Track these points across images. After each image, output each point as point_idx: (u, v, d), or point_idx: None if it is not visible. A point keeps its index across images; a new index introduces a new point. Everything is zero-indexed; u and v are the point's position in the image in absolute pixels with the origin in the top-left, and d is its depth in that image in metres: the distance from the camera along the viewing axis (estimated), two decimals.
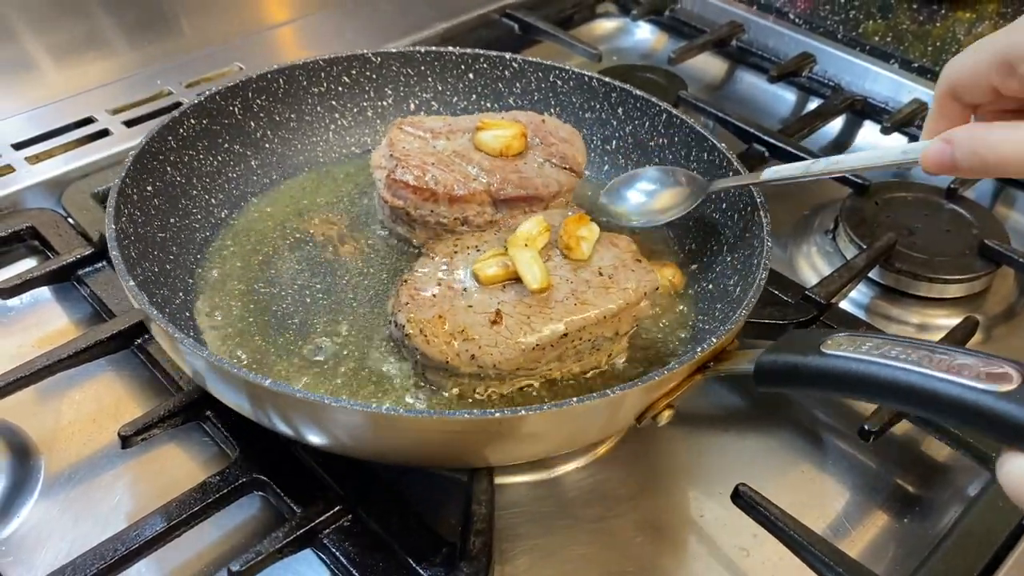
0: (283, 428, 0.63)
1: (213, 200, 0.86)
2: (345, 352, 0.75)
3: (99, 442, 0.75)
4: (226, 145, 0.88)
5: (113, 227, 0.70)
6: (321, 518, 0.64)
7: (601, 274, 0.73)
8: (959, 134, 0.57)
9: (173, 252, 0.79)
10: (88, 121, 1.02)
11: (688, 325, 0.80)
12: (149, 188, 0.79)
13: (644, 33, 1.34)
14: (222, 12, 1.17)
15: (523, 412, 0.58)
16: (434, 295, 0.71)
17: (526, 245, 0.73)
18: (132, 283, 0.66)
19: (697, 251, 0.85)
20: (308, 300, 0.79)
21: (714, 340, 0.65)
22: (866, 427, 0.73)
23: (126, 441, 0.69)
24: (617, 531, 0.71)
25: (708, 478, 0.75)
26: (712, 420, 0.81)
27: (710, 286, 0.81)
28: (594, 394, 0.60)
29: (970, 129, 0.57)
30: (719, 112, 1.07)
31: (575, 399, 0.59)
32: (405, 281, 0.73)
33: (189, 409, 0.72)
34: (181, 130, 0.83)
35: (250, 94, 0.89)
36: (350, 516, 0.66)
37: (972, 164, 0.56)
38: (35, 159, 0.96)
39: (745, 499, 0.68)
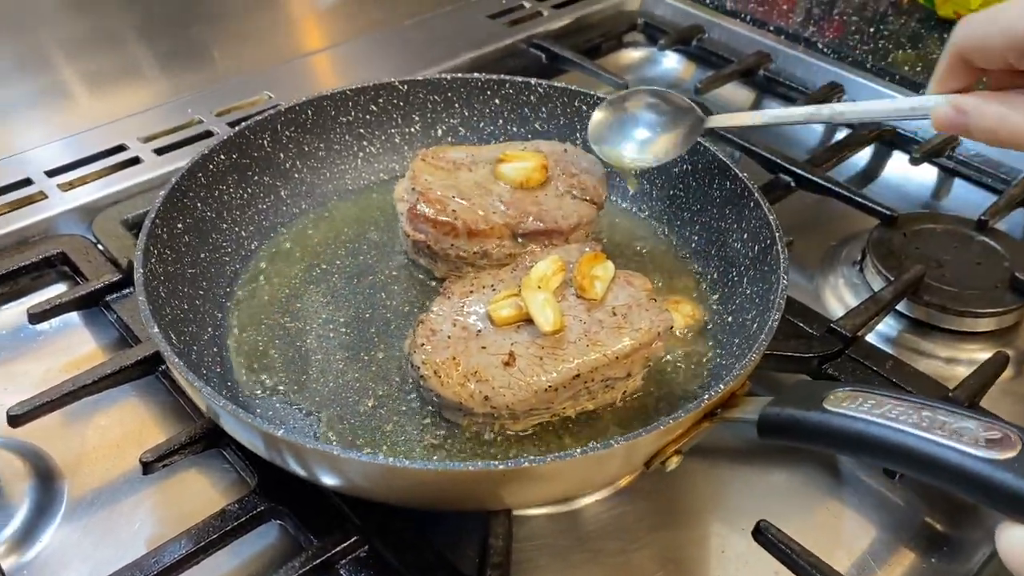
0: (299, 472, 0.64)
1: (243, 232, 0.87)
2: (365, 389, 0.75)
3: (121, 468, 0.75)
4: (255, 177, 0.89)
5: (142, 271, 0.71)
6: (338, 548, 0.64)
7: (615, 314, 0.73)
8: (973, 106, 0.57)
9: (203, 287, 0.80)
10: (120, 149, 1.03)
11: (705, 360, 0.79)
12: (179, 226, 0.80)
13: (671, 63, 1.34)
14: (252, 42, 1.19)
15: (525, 464, 0.58)
16: (449, 336, 0.72)
17: (539, 287, 0.73)
18: (156, 330, 0.67)
19: (718, 281, 0.85)
20: (331, 335, 0.80)
21: (721, 387, 0.64)
22: None
23: (147, 467, 0.69)
24: (637, 565, 0.70)
25: (730, 513, 0.74)
26: (734, 454, 0.80)
27: (729, 318, 0.81)
28: (598, 444, 0.60)
29: (985, 105, 0.57)
30: (745, 142, 1.07)
31: (578, 450, 0.59)
32: (421, 322, 0.73)
33: (209, 436, 0.72)
34: (211, 166, 0.85)
35: (279, 126, 0.91)
36: (367, 547, 0.66)
37: (986, 139, 0.57)
38: (68, 186, 0.98)
39: (767, 536, 0.67)
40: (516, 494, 0.63)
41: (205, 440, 0.72)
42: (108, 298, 0.86)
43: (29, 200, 0.96)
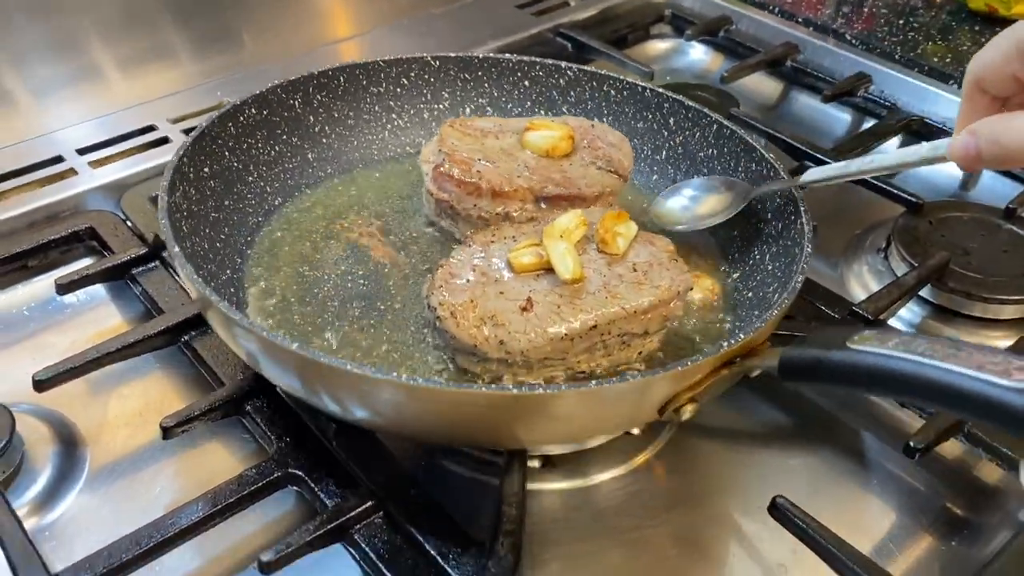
0: (305, 393, 0.64)
1: (268, 188, 0.88)
2: (380, 335, 0.76)
3: (143, 437, 0.76)
4: (284, 137, 0.90)
5: (166, 198, 0.72)
6: (352, 513, 0.64)
7: (635, 270, 0.73)
8: (981, 124, 0.57)
9: (224, 232, 0.81)
10: (150, 129, 1.05)
11: (725, 332, 0.79)
12: (206, 169, 0.81)
13: (698, 53, 1.34)
14: (282, 28, 1.21)
15: (540, 391, 0.58)
16: (468, 281, 0.72)
17: (561, 236, 0.73)
18: (177, 249, 0.68)
19: (739, 260, 0.84)
20: (349, 285, 0.81)
21: (742, 336, 0.64)
22: (911, 444, 0.71)
23: (167, 432, 0.70)
24: (652, 543, 0.70)
25: (747, 493, 0.73)
26: (752, 435, 0.79)
27: (750, 294, 0.81)
28: (615, 378, 0.60)
29: (992, 119, 0.57)
30: (770, 130, 1.06)
31: (593, 382, 0.59)
32: (441, 266, 0.74)
33: (229, 404, 0.73)
34: (241, 118, 0.86)
35: (311, 89, 0.92)
36: (381, 513, 0.66)
37: (995, 153, 0.56)
38: (98, 164, 0.99)
39: (782, 511, 0.66)
40: (529, 428, 0.63)
41: (225, 407, 0.73)
42: (134, 271, 0.87)
43: (60, 176, 0.97)
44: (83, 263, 0.92)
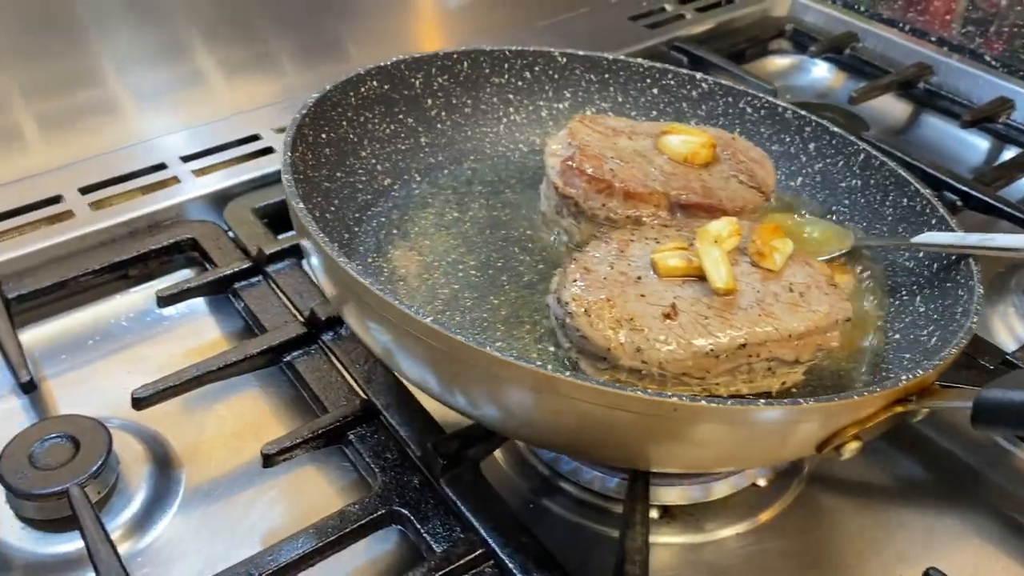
0: (425, 381, 0.61)
1: (379, 167, 0.85)
2: (493, 329, 0.71)
3: (240, 459, 0.73)
4: (400, 116, 0.87)
5: (288, 154, 0.70)
6: (462, 561, 0.60)
7: (792, 290, 0.67)
8: None
9: (335, 204, 0.78)
10: (254, 138, 1.03)
11: (872, 367, 0.72)
12: (323, 136, 0.79)
13: (821, 71, 1.26)
14: (387, 39, 1.18)
15: (703, 403, 0.52)
16: (605, 278, 0.66)
17: (715, 242, 0.67)
18: (301, 204, 0.65)
19: (884, 300, 0.77)
20: (460, 274, 0.76)
21: (920, 372, 0.58)
22: None
23: (268, 460, 0.67)
24: None
25: (882, 560, 0.67)
26: (888, 493, 0.73)
27: (897, 336, 0.73)
28: (785, 399, 0.54)
29: None
30: (905, 156, 0.99)
31: (762, 401, 0.53)
32: (575, 259, 0.68)
33: (332, 432, 0.70)
34: (362, 88, 0.83)
35: (433, 70, 0.89)
36: (492, 562, 0.61)
37: None
38: (201, 172, 0.97)
39: None
40: (669, 448, 0.58)
41: (328, 436, 0.69)
42: (236, 285, 0.85)
43: (163, 184, 0.95)
44: (183, 274, 0.90)
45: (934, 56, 1.18)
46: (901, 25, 1.24)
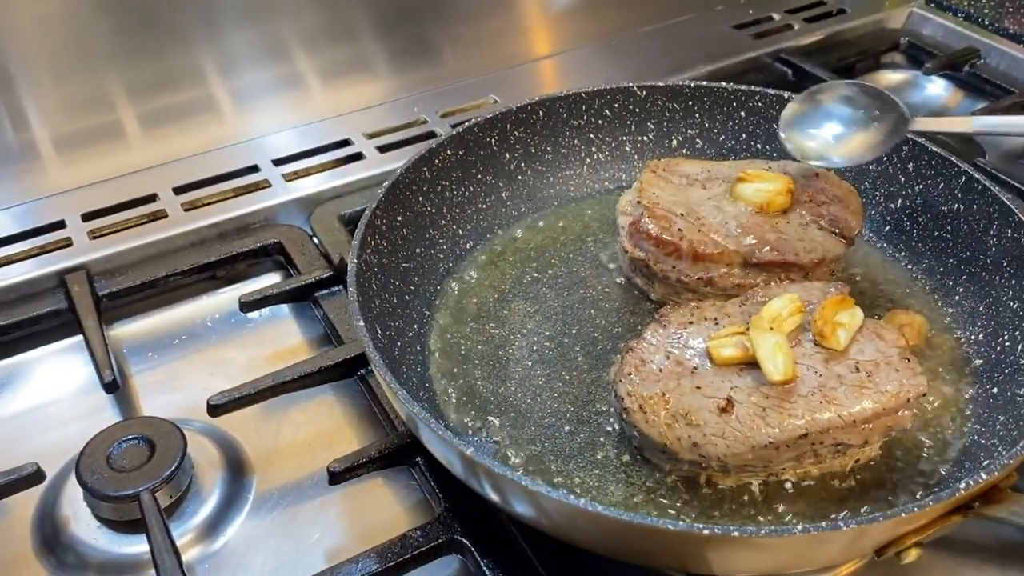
0: (487, 494, 0.59)
1: (460, 231, 0.85)
2: (563, 411, 0.70)
3: (310, 468, 0.73)
4: (479, 176, 0.87)
5: (356, 260, 0.70)
6: None
7: (858, 370, 0.63)
8: None
9: (414, 283, 0.78)
10: (344, 143, 1.03)
11: (961, 432, 0.68)
12: (399, 218, 0.79)
13: (936, 89, 1.19)
14: (482, 44, 1.17)
15: (735, 532, 0.50)
16: (660, 369, 0.64)
17: (771, 328, 0.64)
18: (362, 323, 0.65)
19: (983, 344, 0.73)
20: (535, 348, 0.76)
21: (983, 476, 0.54)
22: None
23: (334, 477, 0.67)
24: None
25: None
26: (972, 549, 0.67)
27: (995, 390, 0.69)
28: (823, 523, 0.52)
29: None
30: (1021, 185, 0.92)
31: (799, 527, 0.51)
32: (631, 349, 0.67)
33: (399, 453, 0.69)
34: (437, 161, 0.83)
35: (508, 126, 0.88)
36: None
37: None
38: (292, 176, 0.98)
39: None
40: (721, 560, 0.55)
41: (394, 456, 0.69)
42: (317, 294, 0.85)
43: (255, 187, 0.97)
44: (268, 278, 0.91)
45: None
46: None
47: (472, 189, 0.86)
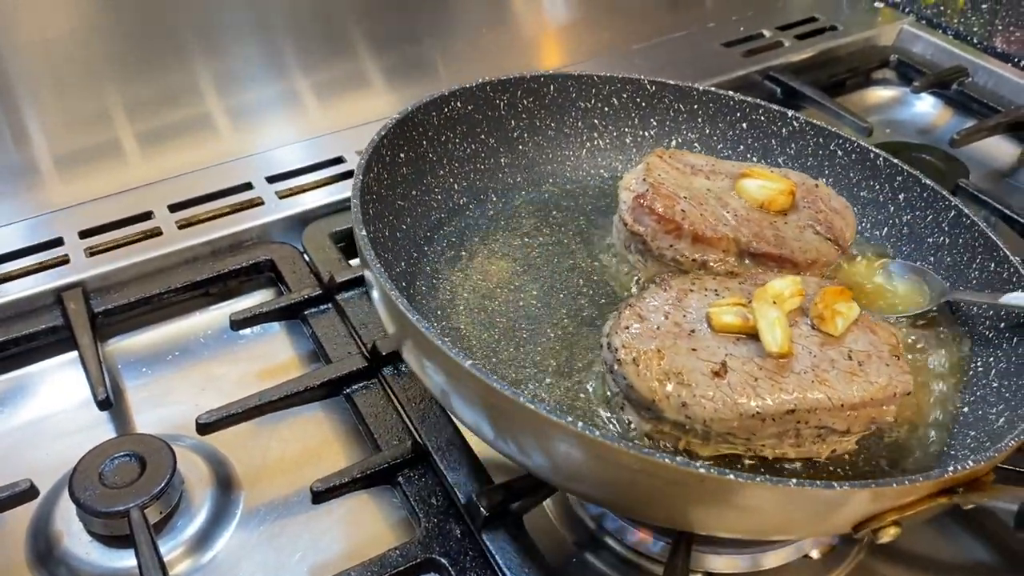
0: (469, 419, 0.61)
1: (456, 186, 0.86)
2: (545, 365, 0.71)
3: (296, 485, 0.75)
4: (482, 136, 0.88)
5: (361, 178, 0.71)
6: None
7: (851, 358, 0.64)
8: None
9: (407, 223, 0.80)
10: (338, 161, 1.04)
11: (930, 442, 0.69)
12: (401, 155, 0.80)
13: (925, 106, 1.20)
14: (478, 60, 1.18)
15: (731, 477, 0.51)
16: (658, 327, 0.65)
17: (774, 302, 0.65)
18: (364, 234, 0.67)
19: (956, 367, 0.74)
20: (521, 303, 0.77)
21: (970, 463, 0.55)
22: None
23: (317, 497, 0.69)
24: None
25: None
26: (952, 569, 0.69)
27: (966, 409, 0.70)
28: (818, 482, 0.53)
29: None
30: (1004, 207, 0.94)
31: (793, 481, 0.52)
32: (630, 305, 0.67)
33: (382, 473, 0.71)
34: (446, 109, 0.84)
35: (519, 92, 0.89)
36: None
37: None
38: (285, 194, 1.00)
39: None
40: (706, 512, 0.57)
41: (377, 476, 0.71)
42: (306, 312, 0.87)
43: (249, 204, 0.98)
44: (260, 294, 0.93)
45: None
46: (1016, 60, 1.17)
47: (474, 147, 0.87)
